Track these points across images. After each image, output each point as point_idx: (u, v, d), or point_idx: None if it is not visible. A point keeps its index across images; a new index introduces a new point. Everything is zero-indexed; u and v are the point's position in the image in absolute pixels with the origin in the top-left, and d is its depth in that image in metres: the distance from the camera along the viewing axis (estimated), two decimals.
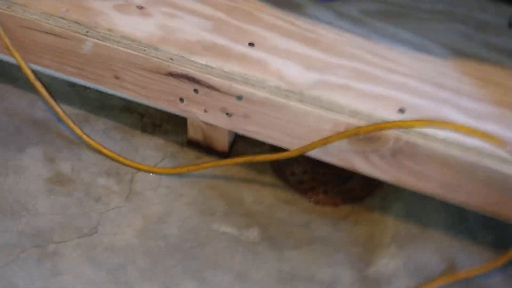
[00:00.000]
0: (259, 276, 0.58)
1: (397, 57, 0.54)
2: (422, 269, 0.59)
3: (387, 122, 0.48)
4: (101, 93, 0.72)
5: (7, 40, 0.59)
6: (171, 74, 0.54)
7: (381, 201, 0.64)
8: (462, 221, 0.62)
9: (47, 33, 0.57)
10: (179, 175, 0.64)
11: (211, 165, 0.62)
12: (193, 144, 0.67)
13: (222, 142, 0.65)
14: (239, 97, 0.53)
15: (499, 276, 0.57)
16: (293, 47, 0.54)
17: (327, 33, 0.56)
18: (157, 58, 0.54)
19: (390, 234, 0.61)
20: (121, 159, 0.65)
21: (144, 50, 0.54)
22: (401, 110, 0.49)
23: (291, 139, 0.54)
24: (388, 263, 0.59)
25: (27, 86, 0.68)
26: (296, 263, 0.59)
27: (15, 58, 0.61)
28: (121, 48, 0.55)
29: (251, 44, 0.55)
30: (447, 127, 0.46)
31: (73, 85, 0.73)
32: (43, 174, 0.64)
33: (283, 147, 0.55)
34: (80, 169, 0.65)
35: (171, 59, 0.54)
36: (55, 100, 0.65)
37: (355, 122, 0.49)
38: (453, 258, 0.59)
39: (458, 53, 0.54)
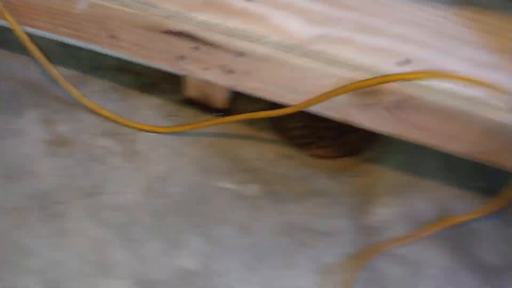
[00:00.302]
0: (261, 228, 0.57)
1: (399, 6, 0.51)
2: (417, 216, 0.58)
3: (391, 75, 0.46)
4: (95, 53, 0.68)
5: None
6: (170, 32, 0.51)
7: (378, 153, 0.63)
8: (456, 170, 0.61)
9: None
10: (180, 133, 0.62)
11: (213, 123, 0.60)
12: (192, 102, 0.65)
13: (221, 100, 0.63)
14: (240, 54, 0.50)
15: (489, 221, 0.58)
16: (293, 0, 0.52)
17: None
18: (155, 15, 0.51)
19: (386, 185, 0.61)
20: (121, 119, 0.62)
21: (141, 7, 0.51)
22: (404, 62, 0.48)
23: (293, 95, 0.52)
24: (384, 212, 0.59)
25: (19, 49, 0.64)
26: (296, 215, 0.58)
27: (7, 20, 0.57)
28: (117, 6, 0.51)
29: None
30: (452, 78, 0.45)
31: (66, 46, 0.69)
32: (42, 136, 0.61)
33: (284, 103, 0.53)
34: (80, 131, 0.62)
35: (170, 16, 0.50)
36: (50, 62, 0.61)
37: (358, 76, 0.47)
38: (447, 205, 0.59)
39: (459, 0, 0.52)
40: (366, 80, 0.46)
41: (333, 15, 0.51)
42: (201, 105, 0.64)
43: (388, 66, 0.47)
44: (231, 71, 0.53)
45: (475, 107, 0.46)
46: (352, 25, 0.50)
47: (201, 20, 0.50)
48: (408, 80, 0.46)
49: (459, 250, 0.56)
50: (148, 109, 0.64)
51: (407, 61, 0.48)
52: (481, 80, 0.45)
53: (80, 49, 0.69)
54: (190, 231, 0.56)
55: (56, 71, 0.62)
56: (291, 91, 0.52)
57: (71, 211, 0.56)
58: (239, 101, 0.65)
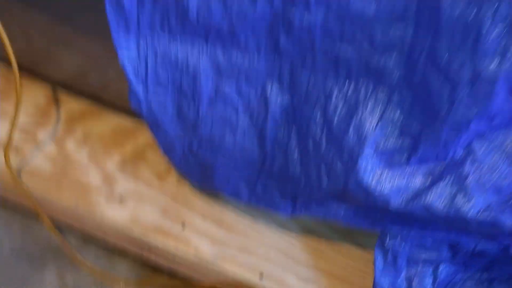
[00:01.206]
0: None
1: (267, 233, 0.77)
2: None
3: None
4: None
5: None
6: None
7: None
8: None
9: None
10: None
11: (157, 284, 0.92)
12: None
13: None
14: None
15: None
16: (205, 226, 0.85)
17: None
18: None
19: None
20: (106, 276, 0.94)
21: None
22: (261, 275, 0.81)
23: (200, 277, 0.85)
24: None
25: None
26: None
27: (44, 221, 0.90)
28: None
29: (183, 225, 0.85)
30: None
31: None
32: (55, 286, 0.94)
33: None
34: (80, 283, 0.94)
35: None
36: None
37: (232, 281, 0.81)
38: None
39: (306, 231, 0.76)
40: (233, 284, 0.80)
41: (226, 238, 0.84)
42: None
43: (251, 278, 0.81)
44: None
45: None
46: (237, 246, 0.83)
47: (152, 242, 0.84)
48: None
49: None
50: (123, 267, 0.97)
51: (263, 275, 0.81)
52: None
53: None
54: None
55: (60, 238, 0.91)
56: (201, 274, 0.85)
57: None
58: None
